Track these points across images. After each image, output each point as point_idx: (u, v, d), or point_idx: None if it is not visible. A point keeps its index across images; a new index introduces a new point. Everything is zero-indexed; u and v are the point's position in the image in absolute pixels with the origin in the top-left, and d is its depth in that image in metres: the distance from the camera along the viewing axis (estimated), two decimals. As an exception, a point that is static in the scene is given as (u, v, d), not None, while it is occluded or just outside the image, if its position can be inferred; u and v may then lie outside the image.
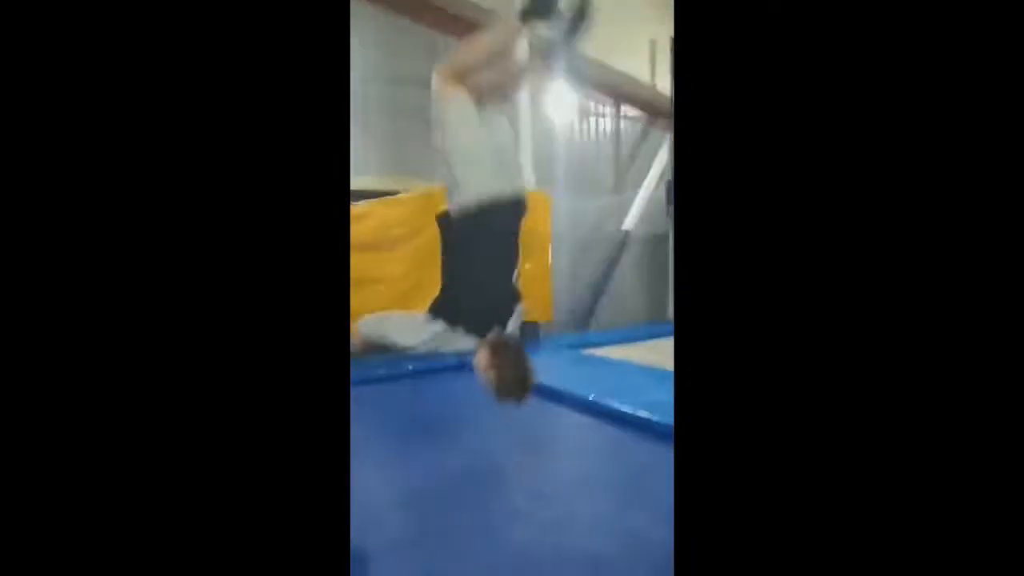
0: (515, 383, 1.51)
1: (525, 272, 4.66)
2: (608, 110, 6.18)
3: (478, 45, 1.63)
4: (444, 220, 1.71)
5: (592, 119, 6.06)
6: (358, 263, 3.88)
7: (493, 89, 1.66)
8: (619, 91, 6.05)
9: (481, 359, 1.52)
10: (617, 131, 6.30)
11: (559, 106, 5.60)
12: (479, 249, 1.61)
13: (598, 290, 5.82)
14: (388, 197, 4.10)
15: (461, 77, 1.56)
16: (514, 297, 1.67)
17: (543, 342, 4.92)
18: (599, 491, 1.95)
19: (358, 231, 3.92)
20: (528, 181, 4.81)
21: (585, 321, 5.69)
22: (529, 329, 5.13)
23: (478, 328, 1.57)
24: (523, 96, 4.77)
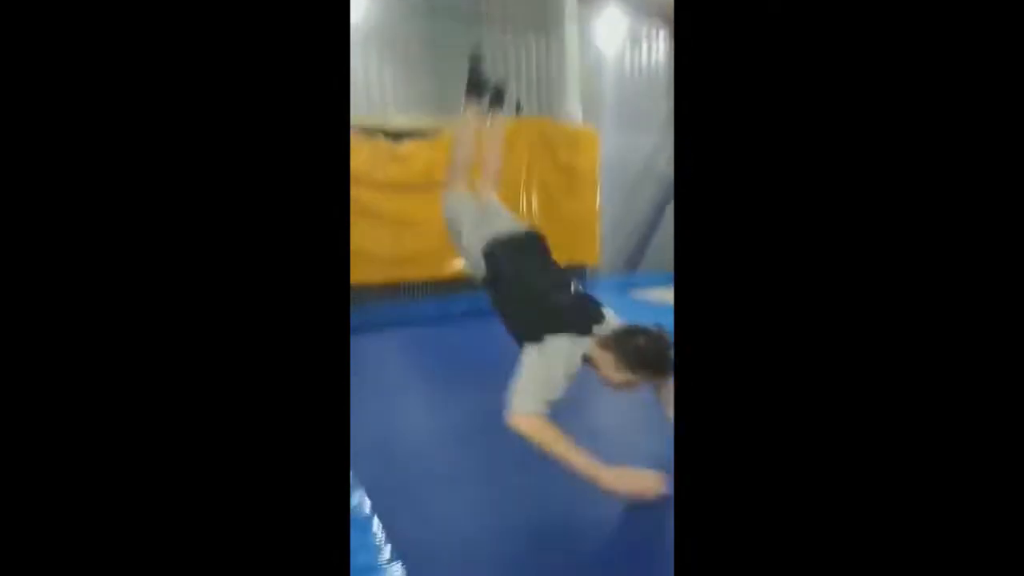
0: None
1: (572, 214, 4.56)
2: (661, 35, 5.76)
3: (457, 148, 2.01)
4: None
5: (644, 46, 5.67)
6: (403, 205, 3.86)
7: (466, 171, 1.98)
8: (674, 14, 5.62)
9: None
10: (670, 59, 5.88)
11: (608, 33, 5.25)
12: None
13: (648, 231, 5.62)
14: (432, 138, 4.00)
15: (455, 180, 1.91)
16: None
17: (589, 284, 4.84)
18: (645, 431, 1.93)
19: (402, 172, 3.88)
20: (575, 115, 4.60)
21: (634, 263, 5.55)
22: (575, 272, 5.07)
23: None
24: (569, 25, 4.48)
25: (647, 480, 1.37)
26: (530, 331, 1.54)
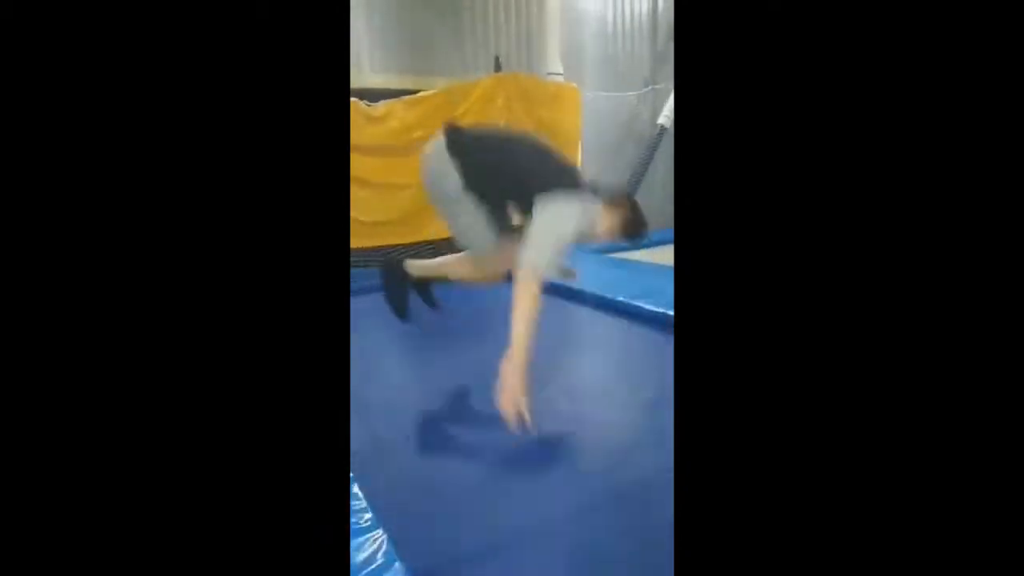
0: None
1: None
2: (644, -11, 5.59)
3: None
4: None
5: (626, 2, 5.50)
6: (378, 168, 3.76)
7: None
8: (657, -35, 5.44)
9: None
10: (654, 15, 5.72)
11: (589, -14, 5.08)
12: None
13: (631, 191, 5.58)
14: (407, 97, 3.87)
15: None
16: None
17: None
18: (627, 388, 1.95)
19: (377, 134, 3.76)
20: (555, 72, 4.48)
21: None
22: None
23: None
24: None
25: (514, 411, 1.38)
26: (543, 185, 1.58)
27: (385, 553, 1.05)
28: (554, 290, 3.26)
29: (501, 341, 1.42)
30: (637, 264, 3.76)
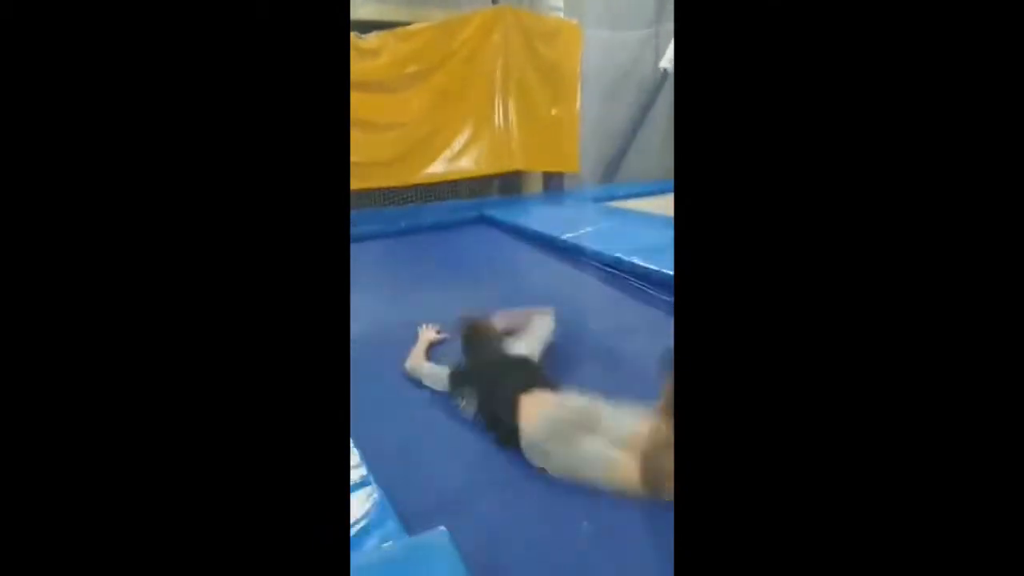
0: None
1: (551, 117, 4.32)
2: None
3: None
4: None
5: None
6: (368, 105, 3.57)
7: None
8: None
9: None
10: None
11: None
12: None
13: (629, 135, 5.41)
14: (399, 29, 3.64)
15: None
16: None
17: (568, 194, 4.72)
18: (621, 341, 1.94)
19: (367, 69, 3.56)
20: (555, 7, 4.24)
21: (612, 172, 5.38)
22: (553, 180, 4.90)
23: None
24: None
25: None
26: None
27: (378, 506, 1.04)
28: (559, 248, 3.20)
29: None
30: (634, 214, 3.69)
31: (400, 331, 2.00)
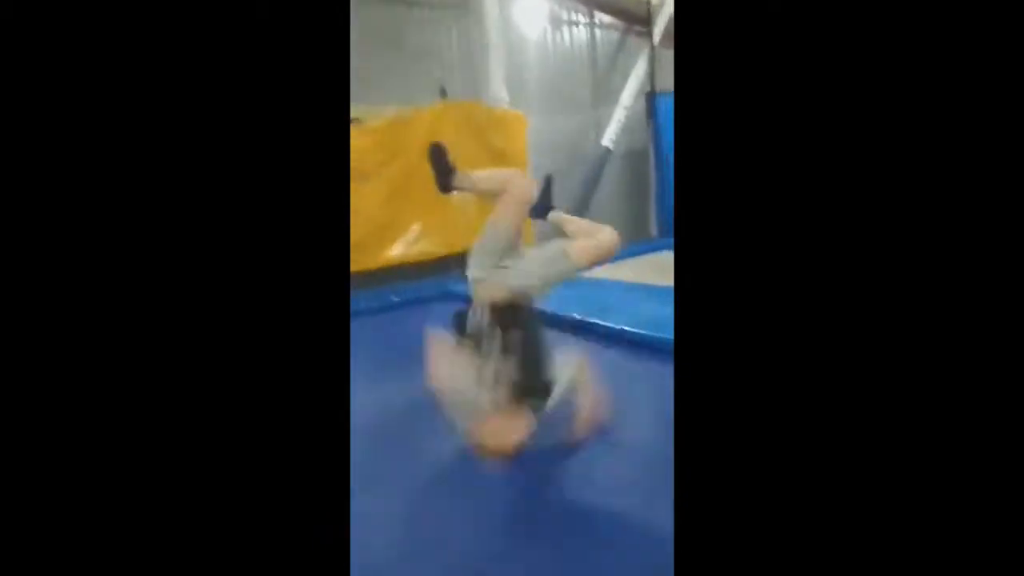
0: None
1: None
2: (581, 18, 5.83)
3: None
4: None
5: (565, 28, 5.72)
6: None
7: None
8: (592, -4, 5.70)
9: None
10: (592, 41, 5.97)
11: (529, 15, 5.26)
12: None
13: (579, 210, 5.73)
14: (354, 126, 3.89)
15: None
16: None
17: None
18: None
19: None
20: (500, 99, 4.59)
21: (567, 243, 5.61)
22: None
23: None
24: (489, 5, 4.44)
25: None
26: None
27: None
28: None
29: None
30: (595, 281, 3.85)
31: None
